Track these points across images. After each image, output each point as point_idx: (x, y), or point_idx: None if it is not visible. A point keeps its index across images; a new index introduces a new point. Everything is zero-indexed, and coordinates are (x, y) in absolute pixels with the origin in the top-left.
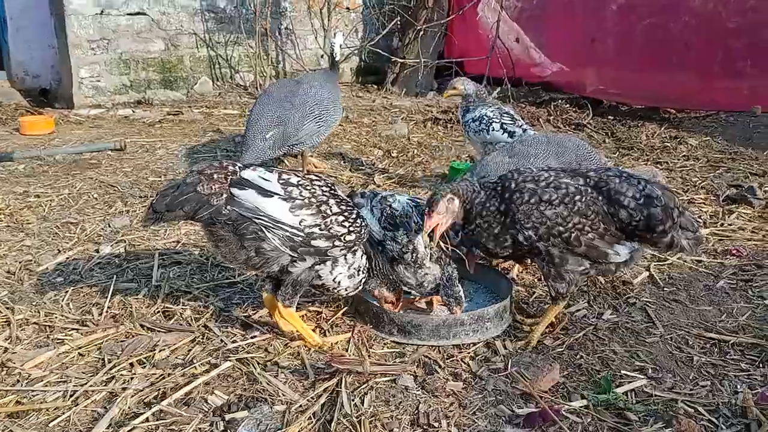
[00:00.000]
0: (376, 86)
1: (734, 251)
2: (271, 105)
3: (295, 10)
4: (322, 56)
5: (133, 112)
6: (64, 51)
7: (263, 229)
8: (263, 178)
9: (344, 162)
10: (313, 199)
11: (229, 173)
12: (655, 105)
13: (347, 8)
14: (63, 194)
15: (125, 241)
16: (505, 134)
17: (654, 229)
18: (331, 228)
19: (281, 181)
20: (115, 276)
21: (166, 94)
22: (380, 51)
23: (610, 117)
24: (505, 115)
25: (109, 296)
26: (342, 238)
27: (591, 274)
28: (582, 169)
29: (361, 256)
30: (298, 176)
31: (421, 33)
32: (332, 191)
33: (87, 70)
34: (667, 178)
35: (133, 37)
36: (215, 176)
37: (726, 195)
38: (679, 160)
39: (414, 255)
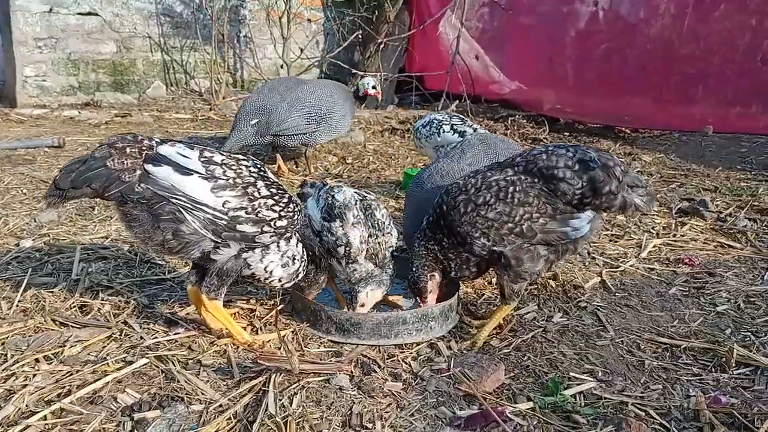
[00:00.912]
0: None
1: (686, 260)
2: (265, 94)
3: (254, 18)
4: (281, 66)
5: (80, 113)
6: (8, 49)
7: (181, 210)
8: (182, 155)
9: (297, 167)
10: (238, 180)
11: (144, 147)
12: (610, 124)
13: (308, 20)
14: None
15: (49, 236)
16: (456, 134)
17: (601, 191)
18: (259, 212)
19: (203, 159)
20: (31, 270)
21: (117, 96)
22: (341, 63)
23: (566, 133)
24: (454, 117)
25: (22, 290)
26: (272, 223)
27: (553, 259)
28: (507, 160)
29: (297, 243)
30: (223, 155)
31: (382, 47)
32: (261, 172)
33: (32, 69)
34: None
35: (83, 37)
36: (128, 150)
37: (679, 208)
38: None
39: (347, 249)
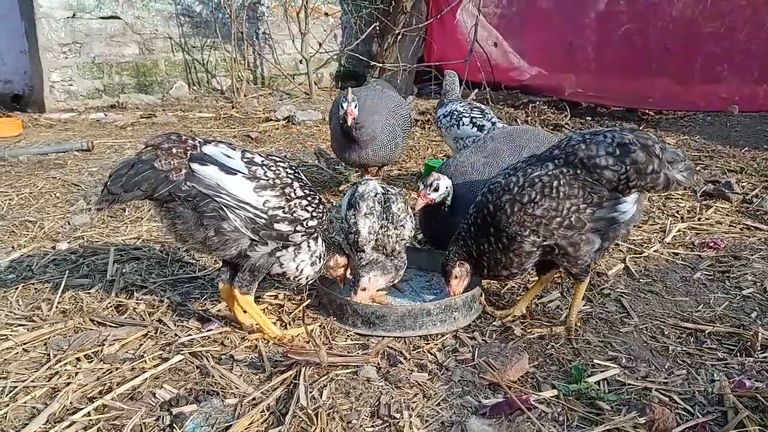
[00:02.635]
0: None
1: (711, 244)
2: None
3: (272, 14)
4: (300, 61)
5: (106, 115)
6: (35, 55)
7: (224, 207)
8: (226, 155)
9: (321, 161)
10: (277, 181)
11: (188, 147)
12: (633, 107)
13: (326, 14)
14: (23, 193)
15: (83, 238)
16: (475, 128)
17: (644, 172)
18: (294, 212)
19: (245, 159)
20: (68, 272)
21: (141, 98)
22: (359, 56)
23: (588, 118)
24: (475, 109)
25: (60, 291)
26: (304, 222)
27: (607, 247)
28: (545, 153)
29: (321, 243)
30: (262, 156)
31: (400, 37)
32: (296, 174)
33: (58, 74)
34: None
35: (106, 40)
36: (174, 150)
37: (703, 190)
38: None
39: (355, 237)
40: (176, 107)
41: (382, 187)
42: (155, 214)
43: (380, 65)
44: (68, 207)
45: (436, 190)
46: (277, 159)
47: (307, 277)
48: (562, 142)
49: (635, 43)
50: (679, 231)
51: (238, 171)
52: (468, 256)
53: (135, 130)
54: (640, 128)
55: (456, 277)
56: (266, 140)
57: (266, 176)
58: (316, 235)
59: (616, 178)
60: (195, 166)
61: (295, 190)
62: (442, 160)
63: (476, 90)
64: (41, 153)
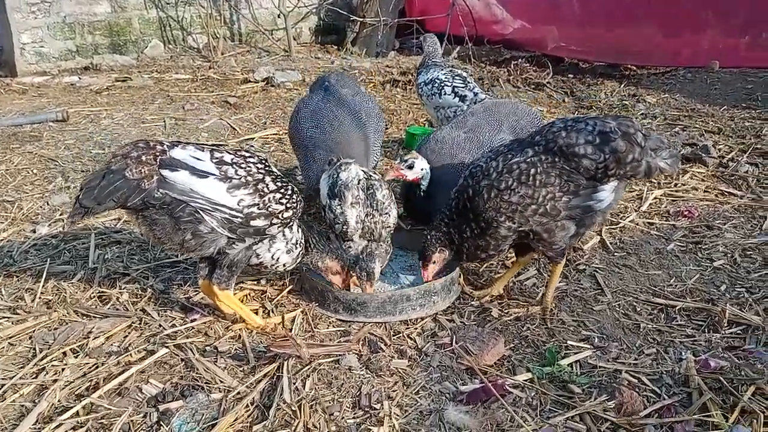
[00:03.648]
0: (335, 46)
1: (686, 212)
2: None
3: None
4: (278, 15)
5: (80, 78)
6: (2, 16)
7: (199, 211)
8: (195, 158)
9: None
10: (249, 178)
11: (157, 153)
12: (616, 62)
13: None
14: (0, 171)
15: (63, 220)
16: (456, 98)
17: (624, 161)
18: (269, 206)
19: (215, 160)
20: (50, 259)
21: (115, 59)
22: (338, 10)
23: (570, 75)
24: (456, 78)
25: (43, 281)
26: (280, 215)
27: (582, 232)
28: (527, 137)
29: (297, 229)
30: (231, 153)
31: None
32: (266, 167)
33: (28, 35)
34: None
35: None
36: (143, 158)
37: (681, 154)
38: (637, 118)
39: (344, 227)
40: (152, 68)
41: (363, 171)
42: (130, 221)
43: (360, 19)
44: (46, 185)
45: (411, 167)
46: (247, 155)
47: (284, 265)
48: (545, 128)
49: None
50: (655, 198)
51: (209, 173)
52: (450, 243)
53: (110, 95)
54: (621, 86)
55: (434, 262)
56: (245, 106)
57: (238, 175)
58: (291, 223)
59: (593, 167)
60: (165, 172)
61: (267, 184)
62: (424, 126)
63: (458, 48)
64: (15, 124)
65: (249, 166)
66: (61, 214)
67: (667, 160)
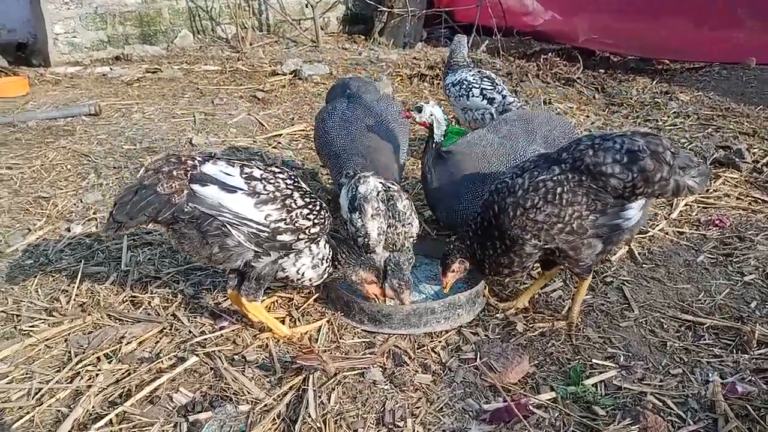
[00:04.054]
0: (363, 36)
1: (717, 221)
2: None
3: None
4: (306, 5)
5: (111, 69)
6: (36, 7)
7: (227, 225)
8: (225, 173)
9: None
10: (277, 193)
11: (188, 168)
12: (648, 56)
13: None
14: (35, 166)
15: (96, 219)
16: (485, 100)
17: (652, 180)
18: (296, 222)
19: (244, 175)
20: (83, 259)
21: (145, 49)
22: (367, 0)
23: (600, 70)
24: (485, 80)
25: (78, 283)
26: (307, 230)
27: (609, 249)
28: (554, 154)
29: (324, 245)
30: (261, 169)
31: None
32: (296, 183)
33: (61, 26)
34: None
35: None
36: (174, 173)
37: (714, 158)
38: (669, 117)
39: (365, 240)
40: (181, 59)
41: (381, 183)
42: (163, 233)
43: (388, 10)
44: (80, 182)
45: (419, 110)
46: (277, 171)
47: (310, 280)
48: (572, 145)
49: None
50: (686, 205)
51: (238, 188)
52: (472, 256)
53: (141, 87)
54: (653, 83)
55: (453, 271)
56: (273, 101)
57: (266, 190)
58: (318, 239)
59: (621, 185)
60: (196, 187)
61: (295, 200)
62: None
63: (487, 41)
64: (50, 118)
65: (278, 182)
66: (94, 213)
67: (695, 179)
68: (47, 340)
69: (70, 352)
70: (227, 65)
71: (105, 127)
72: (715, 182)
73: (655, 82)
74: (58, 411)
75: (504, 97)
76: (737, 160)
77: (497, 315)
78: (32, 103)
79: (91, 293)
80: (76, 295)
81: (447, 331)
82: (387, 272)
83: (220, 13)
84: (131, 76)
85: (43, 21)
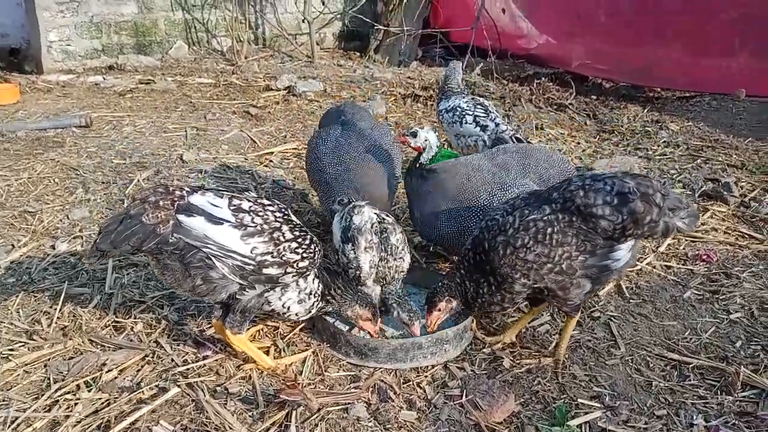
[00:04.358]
0: (358, 53)
1: (704, 256)
2: None
3: None
4: (303, 20)
5: (104, 79)
6: (31, 14)
7: (211, 257)
8: (213, 204)
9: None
10: (265, 226)
11: (175, 198)
12: (641, 83)
13: None
14: (22, 178)
15: (82, 237)
16: (478, 128)
17: (642, 222)
18: (283, 255)
19: (232, 207)
20: (67, 280)
21: (140, 59)
22: (363, 17)
23: (593, 96)
24: (478, 107)
25: (60, 305)
26: (295, 264)
27: (598, 289)
28: (544, 192)
29: (313, 280)
30: (250, 201)
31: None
32: (285, 216)
33: (56, 34)
34: (645, 168)
35: None
36: (161, 203)
37: (702, 190)
38: (659, 146)
39: (357, 272)
40: (176, 70)
41: (376, 214)
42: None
43: (384, 28)
44: (67, 196)
45: (414, 135)
46: (266, 203)
47: (296, 314)
48: (563, 185)
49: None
50: (674, 239)
51: (225, 220)
52: (461, 294)
53: (134, 99)
54: (644, 111)
55: (439, 310)
56: (266, 117)
57: (254, 223)
58: (307, 273)
59: (611, 227)
60: (182, 217)
61: (284, 233)
62: (444, 147)
63: (481, 64)
64: (39, 128)
65: (267, 215)
66: (80, 230)
67: (684, 220)
68: (26, 365)
69: (49, 379)
70: (221, 78)
71: (95, 140)
72: (703, 216)
73: (646, 110)
74: None
75: (497, 125)
76: (725, 193)
77: (484, 349)
78: (22, 112)
79: (74, 316)
80: (57, 318)
81: (433, 366)
82: (391, 305)
83: (216, 26)
84: (124, 86)
85: (38, 28)
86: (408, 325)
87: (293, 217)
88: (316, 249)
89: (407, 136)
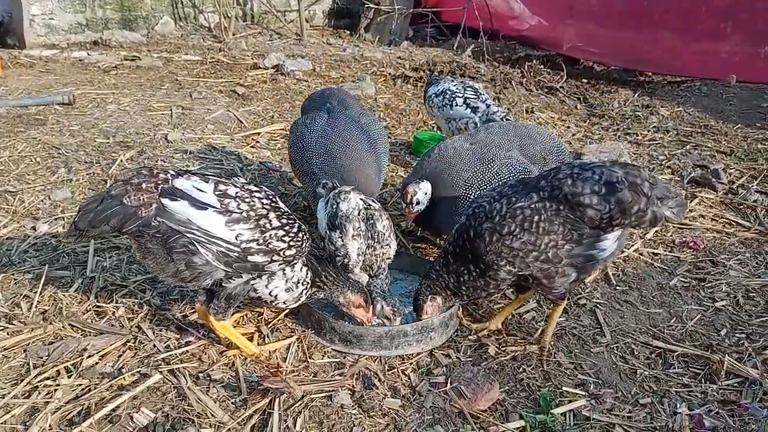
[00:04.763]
0: (348, 32)
1: (691, 243)
2: None
3: None
4: None
5: (88, 54)
6: None
7: (194, 242)
8: (198, 189)
9: None
10: (251, 213)
11: (159, 181)
12: (631, 67)
13: None
14: (3, 157)
15: (64, 218)
16: (468, 109)
17: (629, 212)
18: (270, 243)
19: (218, 192)
20: (48, 262)
21: (125, 35)
22: None
23: (584, 80)
24: (468, 89)
25: (40, 288)
26: (281, 252)
27: (583, 278)
28: (533, 180)
29: (301, 268)
30: (237, 186)
31: None
32: (273, 203)
33: (38, 7)
34: (634, 154)
35: None
36: (144, 185)
37: (691, 177)
38: (649, 131)
39: (345, 260)
40: (162, 46)
41: (362, 200)
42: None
43: (375, 6)
44: (49, 176)
45: (419, 203)
46: (254, 189)
47: (284, 302)
48: (551, 173)
49: None
50: (661, 225)
51: (210, 205)
52: (443, 288)
53: (118, 76)
54: (635, 95)
55: (426, 312)
56: (253, 96)
57: (239, 209)
58: (294, 261)
59: (598, 216)
60: (166, 201)
61: (270, 221)
62: (432, 130)
63: (472, 45)
64: (21, 105)
65: (253, 201)
66: (62, 211)
67: (673, 209)
68: (5, 349)
69: (28, 364)
70: (208, 56)
71: (78, 118)
72: (691, 202)
73: (636, 94)
74: (13, 428)
75: (488, 105)
76: (714, 180)
77: (470, 336)
78: (4, 88)
79: (54, 300)
80: (38, 302)
81: (418, 353)
82: (375, 299)
83: (203, 1)
84: (108, 62)
85: (20, 1)
86: (391, 320)
87: (281, 205)
88: (304, 237)
89: (413, 209)
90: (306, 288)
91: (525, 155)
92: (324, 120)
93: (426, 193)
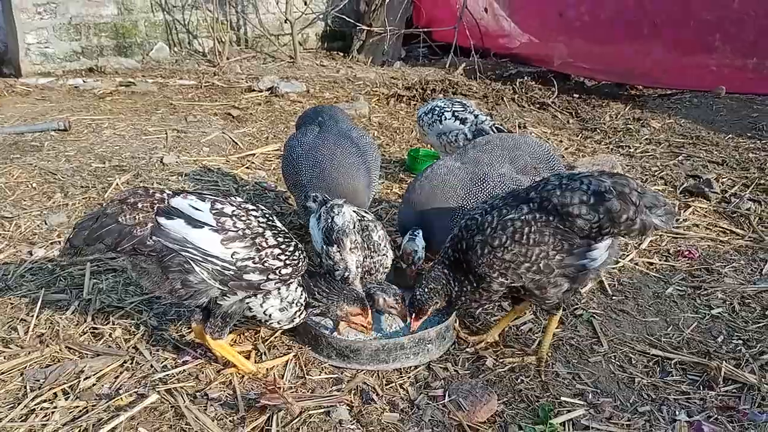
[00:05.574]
0: (341, 53)
1: (686, 253)
2: None
3: None
4: (285, 21)
5: (84, 81)
6: (9, 15)
7: (190, 261)
8: (194, 207)
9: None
10: (247, 231)
11: (155, 201)
12: (622, 81)
13: None
14: None
15: (60, 243)
16: (457, 121)
17: (618, 221)
18: (265, 261)
19: (214, 211)
20: (45, 286)
21: (120, 61)
22: (346, 17)
23: (575, 95)
24: (456, 103)
25: (37, 312)
26: (277, 271)
27: (576, 288)
28: (522, 192)
29: (296, 288)
30: (233, 205)
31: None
32: (269, 222)
33: (34, 36)
34: (627, 166)
35: (83, 0)
36: (139, 205)
37: (684, 187)
38: (640, 144)
39: (345, 273)
40: (156, 72)
41: (356, 212)
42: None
43: (367, 28)
44: (45, 201)
45: (420, 259)
46: (250, 208)
47: (278, 322)
48: (540, 184)
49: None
50: (656, 235)
51: (205, 224)
52: (447, 295)
53: (114, 102)
54: (626, 108)
55: (424, 314)
56: (248, 118)
57: (235, 227)
58: (290, 281)
59: (587, 226)
60: (162, 219)
61: (266, 239)
62: (427, 147)
63: (464, 63)
64: (17, 132)
65: (249, 220)
66: (58, 236)
67: (662, 218)
68: (2, 373)
69: (25, 387)
70: (203, 80)
71: (74, 144)
72: (684, 212)
73: (627, 108)
74: None
75: (476, 116)
76: (706, 189)
77: (467, 349)
78: (0, 115)
79: (51, 323)
80: (35, 325)
81: (416, 367)
82: (375, 293)
83: (197, 27)
84: (104, 89)
85: (15, 30)
86: (396, 308)
87: (278, 223)
88: (301, 256)
89: (416, 265)
90: (300, 309)
91: (516, 168)
92: (314, 133)
93: (422, 246)
